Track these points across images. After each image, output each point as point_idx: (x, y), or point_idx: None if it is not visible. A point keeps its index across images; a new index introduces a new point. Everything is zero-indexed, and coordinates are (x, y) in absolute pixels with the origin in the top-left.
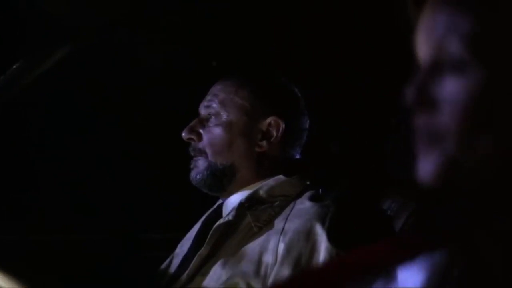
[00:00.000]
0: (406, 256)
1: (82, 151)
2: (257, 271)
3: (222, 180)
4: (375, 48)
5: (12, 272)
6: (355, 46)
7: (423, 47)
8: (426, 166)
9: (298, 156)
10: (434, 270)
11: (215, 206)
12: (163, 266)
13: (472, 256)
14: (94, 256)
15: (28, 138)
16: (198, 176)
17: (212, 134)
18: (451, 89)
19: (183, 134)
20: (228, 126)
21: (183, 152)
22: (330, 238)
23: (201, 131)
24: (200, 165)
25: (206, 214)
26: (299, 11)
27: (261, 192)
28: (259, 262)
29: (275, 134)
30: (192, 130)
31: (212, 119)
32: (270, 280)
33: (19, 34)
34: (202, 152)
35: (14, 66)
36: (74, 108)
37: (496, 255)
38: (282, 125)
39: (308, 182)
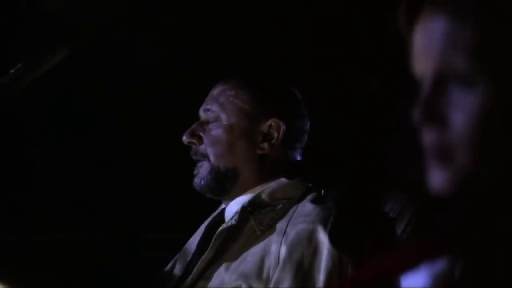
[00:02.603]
0: (412, 262)
1: (82, 151)
2: (259, 274)
3: (224, 184)
4: (375, 48)
5: (12, 272)
6: (355, 46)
7: (423, 61)
8: (441, 179)
9: (299, 158)
10: (435, 271)
11: (218, 211)
12: (166, 269)
13: (472, 257)
14: (94, 256)
15: (28, 138)
16: (202, 182)
17: (213, 137)
18: (459, 102)
19: (184, 138)
20: (228, 129)
21: (183, 152)
22: (332, 240)
23: (201, 134)
24: (203, 170)
25: (209, 219)
26: (299, 12)
27: (264, 196)
28: (261, 265)
29: (276, 136)
30: (193, 134)
31: (213, 122)
32: (272, 283)
33: (19, 34)
34: (204, 156)
35: (14, 67)
36: (74, 108)
37: (496, 255)
38: (283, 127)
39: (310, 184)
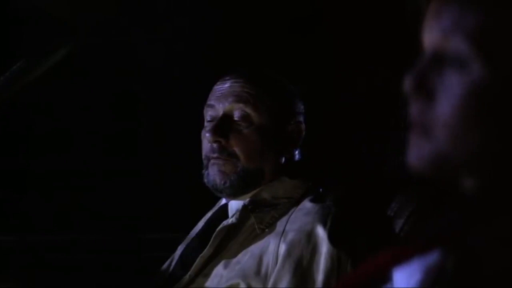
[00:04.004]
0: (404, 258)
1: (82, 151)
2: (257, 272)
3: (249, 185)
4: (375, 48)
5: (11, 273)
6: (355, 46)
7: (428, 38)
8: (416, 154)
9: (299, 157)
10: (430, 270)
11: (218, 206)
12: (165, 266)
13: (470, 256)
14: (95, 256)
15: (28, 138)
16: (226, 183)
17: (247, 138)
18: (449, 82)
19: (210, 136)
20: (262, 131)
21: (183, 152)
22: (331, 239)
23: (229, 133)
24: (227, 169)
25: (209, 214)
26: (299, 11)
27: (265, 194)
28: (260, 263)
29: (297, 139)
30: (221, 132)
31: (242, 121)
32: (271, 281)
33: (19, 34)
34: (232, 156)
35: (14, 66)
36: (74, 107)
37: (494, 255)
38: (304, 131)
39: (310, 184)
